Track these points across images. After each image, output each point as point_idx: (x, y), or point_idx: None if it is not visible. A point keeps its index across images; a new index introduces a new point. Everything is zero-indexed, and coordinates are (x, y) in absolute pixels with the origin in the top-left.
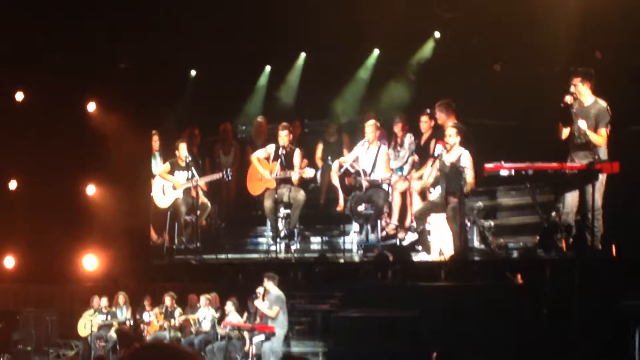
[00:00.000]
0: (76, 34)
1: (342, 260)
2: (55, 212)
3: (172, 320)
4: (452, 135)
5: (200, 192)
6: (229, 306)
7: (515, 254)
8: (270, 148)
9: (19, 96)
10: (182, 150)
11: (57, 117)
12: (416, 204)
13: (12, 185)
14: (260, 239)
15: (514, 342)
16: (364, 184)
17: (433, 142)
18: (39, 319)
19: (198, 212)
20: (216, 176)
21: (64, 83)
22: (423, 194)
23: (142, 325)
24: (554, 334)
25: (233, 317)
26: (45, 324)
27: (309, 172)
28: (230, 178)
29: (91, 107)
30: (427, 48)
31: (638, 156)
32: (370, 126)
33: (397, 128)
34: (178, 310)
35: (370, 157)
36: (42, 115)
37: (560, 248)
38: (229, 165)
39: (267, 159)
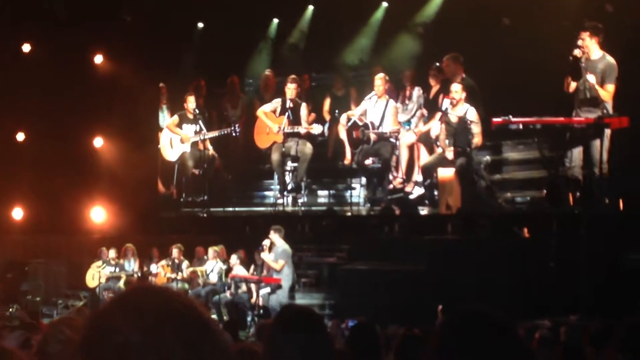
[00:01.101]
0: None
1: (349, 214)
2: (63, 164)
3: (180, 272)
4: (457, 91)
5: (209, 145)
6: (234, 259)
7: (522, 208)
8: (277, 102)
9: (26, 48)
10: (191, 102)
11: (64, 69)
12: (424, 158)
13: (20, 137)
14: (268, 192)
15: (521, 295)
16: (372, 137)
17: (441, 96)
18: (48, 270)
19: (205, 165)
20: (224, 131)
21: (71, 35)
22: (430, 147)
23: (149, 277)
24: (561, 287)
25: (239, 269)
26: (54, 275)
27: (316, 129)
28: (238, 133)
29: (98, 59)
30: (436, 1)
31: None
32: (379, 79)
33: (406, 81)
34: (185, 263)
35: (378, 110)
36: (49, 68)
37: (567, 202)
38: (237, 119)
39: (274, 112)
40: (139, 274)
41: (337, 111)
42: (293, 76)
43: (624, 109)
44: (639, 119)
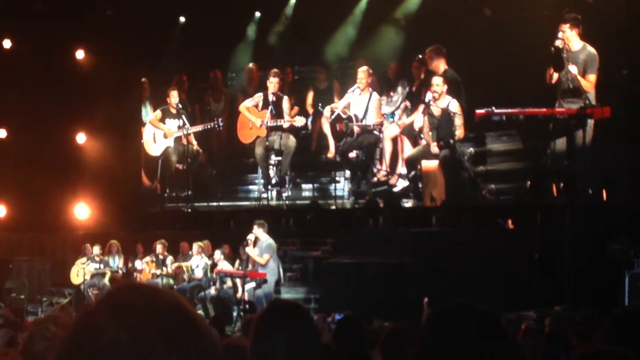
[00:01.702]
0: None
1: (333, 207)
2: (46, 160)
3: (164, 268)
4: (439, 84)
5: (193, 140)
6: (217, 254)
7: (506, 200)
8: (259, 96)
9: (7, 44)
10: (174, 97)
11: (45, 64)
12: (407, 150)
13: (2, 134)
14: (252, 187)
15: (505, 287)
16: (355, 130)
17: (424, 88)
18: (32, 267)
19: (189, 160)
20: (207, 126)
21: (52, 30)
22: (414, 140)
23: (134, 273)
24: (545, 278)
25: (224, 264)
26: (38, 273)
27: (299, 121)
28: (221, 128)
29: (80, 54)
30: None
31: (627, 101)
32: (362, 72)
33: (391, 73)
34: (170, 258)
35: (361, 103)
36: (30, 63)
37: (551, 193)
38: (220, 113)
39: (257, 106)
40: (124, 271)
41: (320, 104)
42: (275, 70)
43: (605, 99)
44: (620, 109)
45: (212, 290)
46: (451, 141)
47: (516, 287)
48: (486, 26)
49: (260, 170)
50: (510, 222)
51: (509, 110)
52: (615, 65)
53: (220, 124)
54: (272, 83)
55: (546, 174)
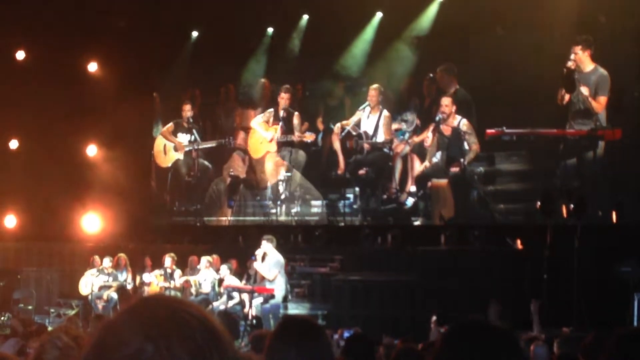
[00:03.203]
0: None
1: (342, 224)
2: (56, 171)
3: (172, 282)
4: (447, 104)
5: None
6: (224, 270)
7: (515, 219)
8: (269, 112)
9: (20, 55)
10: (187, 111)
11: (57, 76)
12: (417, 168)
13: (13, 144)
14: (261, 202)
15: (513, 307)
16: (365, 147)
17: (434, 107)
18: (40, 278)
19: (199, 174)
20: (219, 142)
21: (65, 42)
22: (424, 158)
23: (142, 287)
24: (554, 298)
25: (230, 279)
26: (46, 283)
27: (309, 137)
28: (232, 144)
29: (92, 66)
30: (431, 10)
31: (639, 122)
32: (373, 89)
33: (404, 91)
34: (178, 272)
35: (372, 121)
36: (43, 75)
37: (560, 214)
38: (230, 127)
39: (267, 122)
40: (132, 284)
41: (331, 121)
42: (286, 86)
43: (617, 121)
44: (631, 131)
45: (220, 305)
46: (461, 160)
47: (524, 306)
48: (498, 45)
49: (269, 186)
50: (519, 242)
51: (520, 131)
52: (627, 87)
53: (232, 141)
54: (283, 99)
55: (556, 195)
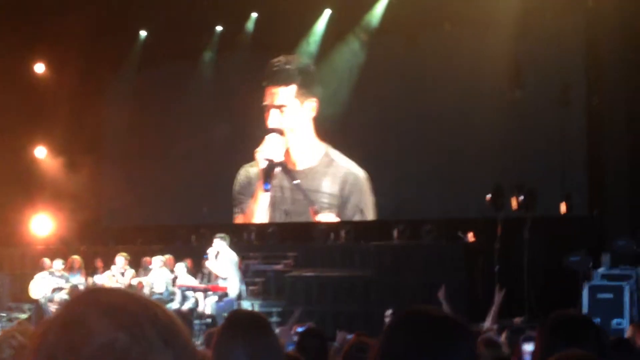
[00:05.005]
0: None
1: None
2: (4, 174)
3: (123, 280)
4: None
5: None
6: (179, 268)
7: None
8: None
9: None
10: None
11: (4, 77)
12: None
13: None
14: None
15: (466, 299)
16: None
17: None
18: None
19: None
20: None
21: (10, 43)
22: None
23: None
24: (505, 290)
25: (185, 278)
26: None
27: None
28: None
29: (39, 68)
30: (379, 7)
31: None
32: None
33: None
34: (130, 272)
35: None
36: None
37: (510, 206)
38: None
39: None
40: (85, 286)
41: None
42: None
43: (564, 116)
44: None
45: (174, 305)
46: None
47: (477, 299)
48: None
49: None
50: (471, 234)
51: None
52: (573, 83)
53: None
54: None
55: (506, 188)
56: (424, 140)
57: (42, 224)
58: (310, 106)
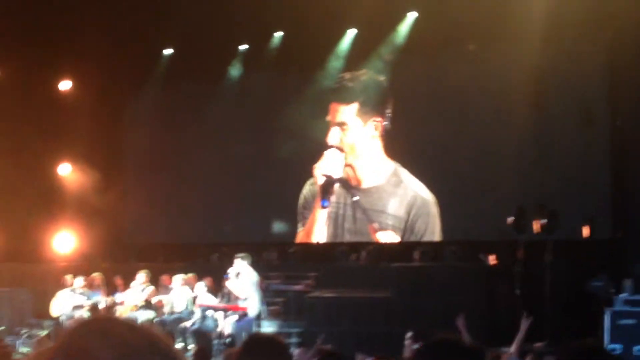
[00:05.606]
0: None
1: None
2: (28, 190)
3: (142, 295)
4: None
5: None
6: (200, 287)
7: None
8: None
9: None
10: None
11: (29, 94)
12: None
13: None
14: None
15: (487, 322)
16: None
17: None
18: (12, 298)
19: None
20: None
21: (37, 59)
22: None
23: (115, 306)
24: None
25: (206, 297)
26: (19, 304)
27: None
28: None
29: (65, 85)
30: (404, 28)
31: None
32: None
33: None
34: (150, 288)
35: None
36: (14, 92)
37: (532, 229)
38: None
39: None
40: (105, 304)
41: None
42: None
43: (589, 135)
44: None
45: (194, 323)
46: None
47: (498, 321)
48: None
49: None
50: (492, 257)
51: None
52: (595, 102)
53: None
54: None
55: (529, 210)
56: (447, 162)
57: (65, 240)
58: (373, 125)
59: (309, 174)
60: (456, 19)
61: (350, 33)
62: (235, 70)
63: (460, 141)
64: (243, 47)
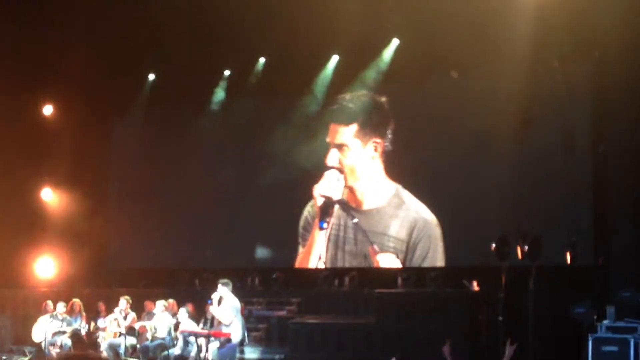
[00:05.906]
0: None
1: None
2: (9, 216)
3: (124, 324)
4: None
5: None
6: (182, 313)
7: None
8: None
9: None
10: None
11: (11, 118)
12: None
13: None
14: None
15: (470, 348)
16: None
17: None
18: None
19: None
20: None
21: (19, 85)
22: None
23: (97, 332)
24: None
25: (188, 323)
26: None
27: None
28: None
29: (47, 109)
30: (387, 54)
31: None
32: None
33: None
34: (132, 314)
35: None
36: None
37: (515, 255)
38: None
39: None
40: (86, 330)
41: None
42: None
43: (571, 164)
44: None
45: (176, 350)
46: None
47: (480, 348)
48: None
49: None
50: (475, 283)
51: None
52: (579, 131)
53: None
54: None
55: (511, 237)
56: (430, 187)
57: (46, 266)
58: (373, 146)
59: (294, 200)
60: (438, 46)
61: (334, 59)
62: (219, 96)
63: (445, 167)
64: (227, 72)
